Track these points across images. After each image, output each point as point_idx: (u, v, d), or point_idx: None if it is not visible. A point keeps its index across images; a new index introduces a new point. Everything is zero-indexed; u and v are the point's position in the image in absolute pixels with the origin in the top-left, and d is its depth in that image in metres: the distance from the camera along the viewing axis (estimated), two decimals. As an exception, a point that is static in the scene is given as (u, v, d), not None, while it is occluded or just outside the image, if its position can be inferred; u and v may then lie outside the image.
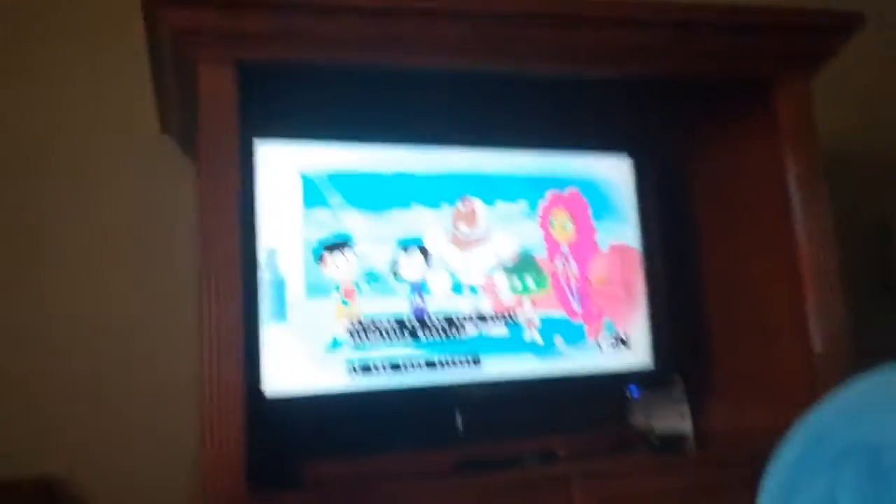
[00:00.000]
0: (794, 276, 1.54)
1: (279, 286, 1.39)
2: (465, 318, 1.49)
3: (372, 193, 1.49)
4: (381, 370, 1.41)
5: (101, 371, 1.62)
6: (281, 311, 1.38)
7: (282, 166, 1.43)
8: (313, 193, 1.44)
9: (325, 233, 1.43)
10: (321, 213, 1.44)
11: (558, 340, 1.56)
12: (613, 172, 1.67)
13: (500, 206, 1.58)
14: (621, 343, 1.61)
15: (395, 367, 1.42)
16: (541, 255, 1.59)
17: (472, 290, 1.52)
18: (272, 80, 1.44)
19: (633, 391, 1.70)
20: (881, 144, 2.24)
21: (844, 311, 1.52)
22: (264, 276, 1.37)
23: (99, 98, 1.71)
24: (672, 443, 1.52)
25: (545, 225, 1.61)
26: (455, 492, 1.27)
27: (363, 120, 1.55)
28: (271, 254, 1.39)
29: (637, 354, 1.62)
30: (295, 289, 1.40)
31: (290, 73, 1.42)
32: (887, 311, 2.16)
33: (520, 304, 1.55)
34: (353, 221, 1.46)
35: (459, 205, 1.55)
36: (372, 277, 1.45)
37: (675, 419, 1.70)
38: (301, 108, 1.53)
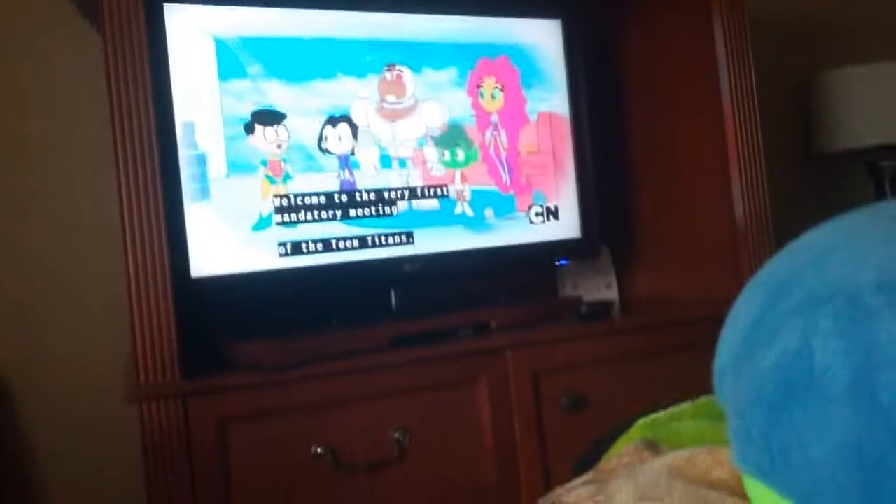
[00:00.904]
0: (720, 143, 1.56)
1: (200, 163, 1.30)
2: (395, 193, 1.45)
3: (293, 61, 1.39)
4: (312, 249, 1.37)
5: (30, 267, 1.53)
6: (204, 190, 1.30)
7: (194, 31, 1.32)
8: (230, 61, 1.34)
9: (247, 105, 1.34)
10: (240, 84, 1.35)
11: (489, 213, 1.54)
12: (544, 38, 1.62)
13: (429, 74, 1.51)
14: (551, 215, 1.61)
15: (327, 245, 1.38)
16: (470, 125, 1.54)
17: (402, 163, 1.47)
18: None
19: (562, 262, 1.72)
20: (805, 7, 2.25)
21: (765, 180, 1.56)
22: (183, 153, 1.28)
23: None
24: (599, 311, 1.55)
25: (474, 94, 1.55)
26: (391, 365, 1.27)
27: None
28: (188, 128, 1.30)
29: (566, 226, 1.62)
30: (217, 166, 1.32)
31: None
32: (807, 180, 2.23)
33: (450, 177, 1.52)
34: (275, 93, 1.37)
35: (386, 73, 1.47)
36: (299, 151, 1.38)
37: (601, 288, 1.73)
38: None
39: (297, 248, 1.36)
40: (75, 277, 1.55)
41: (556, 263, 1.74)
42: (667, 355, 1.44)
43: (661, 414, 0.65)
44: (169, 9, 1.29)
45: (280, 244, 1.35)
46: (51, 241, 1.54)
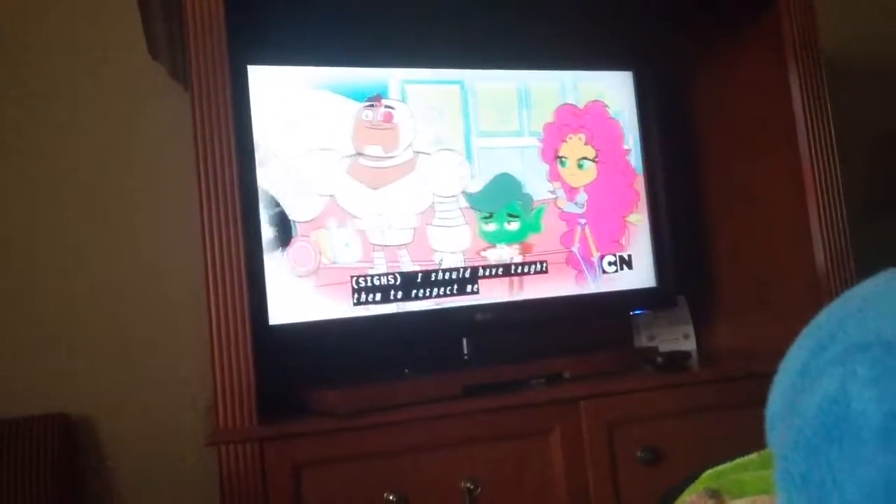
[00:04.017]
0: (798, 192, 1.53)
1: (279, 214, 1.36)
2: (474, 271, 1.47)
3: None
4: (385, 298, 1.40)
5: (118, 313, 1.61)
6: (282, 241, 1.35)
7: (276, 89, 1.38)
8: (309, 118, 1.40)
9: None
10: (318, 139, 1.40)
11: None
12: (616, 90, 1.63)
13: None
14: (624, 264, 1.60)
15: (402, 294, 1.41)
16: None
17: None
18: (261, 5, 1.39)
19: (637, 312, 1.71)
20: (884, 57, 2.20)
21: (847, 227, 1.52)
22: (263, 205, 1.34)
23: (87, 25, 1.65)
24: (676, 361, 1.53)
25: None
26: (462, 414, 1.28)
27: (358, 40, 1.50)
28: (268, 181, 1.35)
29: (640, 275, 1.61)
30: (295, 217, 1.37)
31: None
32: (888, 227, 2.15)
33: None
34: (351, 147, 1.42)
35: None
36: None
37: (678, 339, 1.71)
38: (294, 33, 1.47)
39: (370, 297, 1.39)
40: (160, 324, 1.62)
41: (631, 313, 1.72)
42: (745, 408, 1.40)
43: (727, 465, 0.65)
44: (253, 70, 1.36)
45: (354, 292, 1.38)
46: (139, 290, 1.62)
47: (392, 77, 1.45)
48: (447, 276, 1.45)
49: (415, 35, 1.61)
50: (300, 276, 1.35)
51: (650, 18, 1.75)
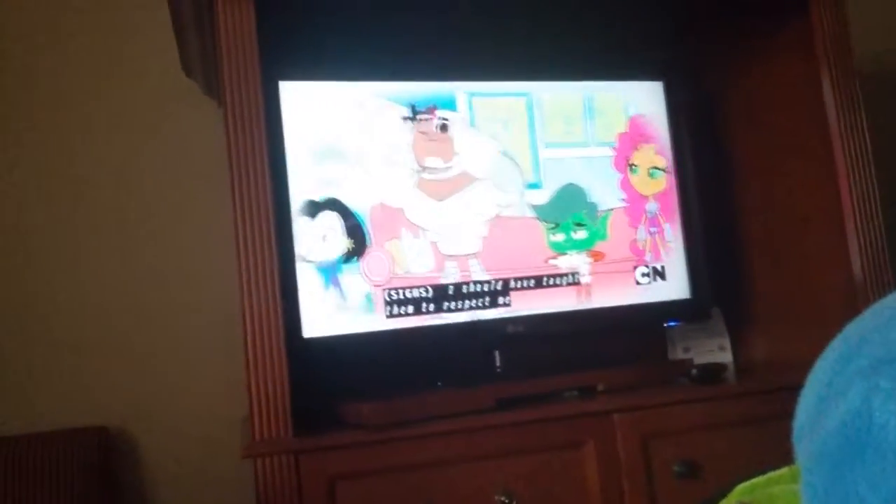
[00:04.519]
0: (833, 201, 1.51)
1: (312, 227, 1.37)
2: (513, 282, 1.47)
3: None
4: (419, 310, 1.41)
5: (154, 325, 1.63)
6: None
7: (307, 104, 1.40)
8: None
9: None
10: (350, 153, 1.41)
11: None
12: (647, 100, 1.63)
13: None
14: (657, 275, 1.59)
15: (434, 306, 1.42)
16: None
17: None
18: (293, 20, 1.40)
19: (671, 323, 1.69)
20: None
21: (884, 236, 1.49)
22: (296, 217, 1.35)
23: (122, 42, 1.68)
24: (712, 374, 1.51)
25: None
26: (496, 427, 1.27)
27: (392, 55, 1.51)
28: (301, 194, 1.37)
29: (674, 286, 1.59)
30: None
31: (311, 9, 1.38)
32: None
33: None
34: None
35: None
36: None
37: (714, 351, 1.69)
38: (324, 48, 1.49)
39: (403, 310, 1.40)
40: (197, 336, 1.64)
41: (665, 325, 1.71)
42: (782, 420, 1.38)
43: (760, 478, 0.64)
44: (284, 85, 1.38)
45: (387, 304, 1.39)
46: (176, 303, 1.64)
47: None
48: (480, 289, 1.45)
49: (479, 49, 1.64)
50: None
51: (680, 27, 1.74)
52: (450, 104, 1.47)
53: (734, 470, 1.31)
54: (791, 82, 1.60)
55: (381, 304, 1.38)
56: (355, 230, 1.38)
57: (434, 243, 1.43)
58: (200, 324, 1.64)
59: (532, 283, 1.48)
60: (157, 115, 1.68)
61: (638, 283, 1.57)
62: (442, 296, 1.42)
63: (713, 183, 1.76)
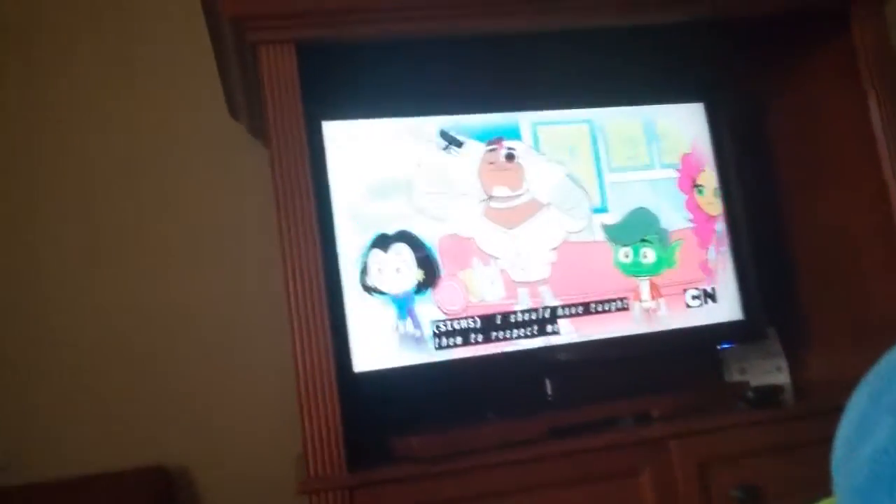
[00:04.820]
0: (884, 216, 1.48)
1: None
2: (564, 310, 1.48)
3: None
4: (467, 341, 1.41)
5: (208, 365, 1.66)
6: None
7: (349, 143, 1.42)
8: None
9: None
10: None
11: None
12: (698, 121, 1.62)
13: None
14: (708, 297, 1.56)
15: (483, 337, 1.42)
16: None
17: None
18: (334, 60, 1.43)
19: (724, 345, 1.66)
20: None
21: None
22: (344, 253, 1.37)
23: (170, 88, 1.74)
24: (769, 396, 1.47)
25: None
26: (549, 457, 1.26)
27: (430, 92, 1.53)
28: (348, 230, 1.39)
29: (726, 308, 1.57)
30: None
31: (351, 50, 1.41)
32: None
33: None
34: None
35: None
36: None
37: (771, 372, 1.65)
38: (366, 86, 1.51)
39: (451, 342, 1.40)
40: (252, 373, 1.66)
41: (718, 347, 1.68)
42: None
43: None
44: (327, 125, 1.40)
45: (435, 336, 1.39)
46: (228, 341, 1.67)
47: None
48: (527, 318, 1.44)
49: (543, 78, 1.68)
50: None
51: (719, 46, 1.73)
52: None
53: (794, 493, 1.28)
54: (835, 98, 1.58)
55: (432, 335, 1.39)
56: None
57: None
58: (256, 363, 1.66)
59: (542, 314, 1.46)
60: (207, 158, 1.73)
61: (688, 305, 1.54)
62: (491, 325, 1.42)
63: (762, 203, 1.74)
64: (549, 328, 1.45)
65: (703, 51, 1.71)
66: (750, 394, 1.47)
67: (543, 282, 1.46)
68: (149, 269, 1.68)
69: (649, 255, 1.54)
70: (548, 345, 1.45)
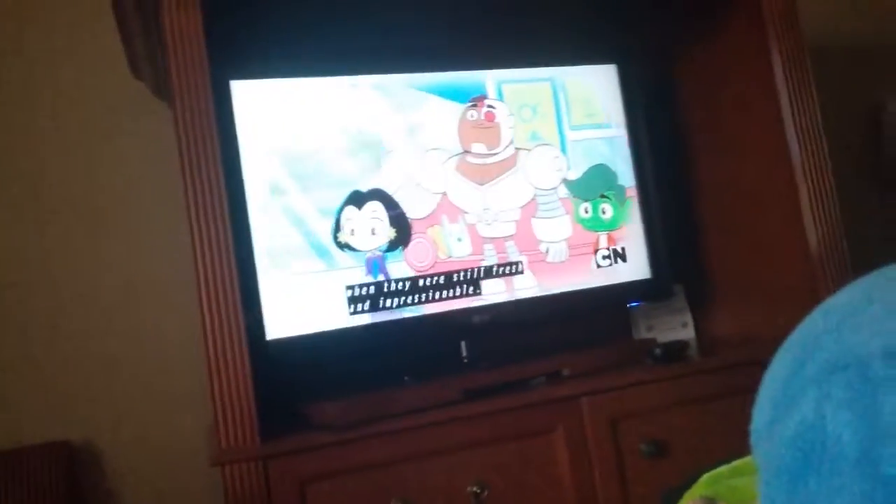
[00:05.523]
0: (787, 174, 1.53)
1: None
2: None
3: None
4: (382, 305, 1.40)
5: (114, 333, 1.60)
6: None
7: (259, 104, 1.37)
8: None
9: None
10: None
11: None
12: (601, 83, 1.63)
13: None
14: (618, 257, 1.59)
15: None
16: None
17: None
18: (242, 17, 1.37)
19: (634, 304, 1.70)
20: (866, 33, 2.20)
21: (838, 207, 1.51)
22: (255, 218, 1.33)
23: (66, 43, 1.64)
24: (675, 352, 1.52)
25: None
26: (464, 418, 1.27)
27: (343, 50, 1.49)
28: (259, 194, 1.35)
29: (635, 267, 1.61)
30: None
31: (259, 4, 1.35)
32: (878, 204, 2.16)
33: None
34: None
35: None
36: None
37: (676, 328, 1.70)
38: (277, 44, 1.46)
39: (364, 306, 1.39)
40: (158, 342, 1.61)
41: (628, 306, 1.72)
42: (747, 395, 1.40)
43: (723, 468, 0.65)
44: (235, 85, 1.35)
45: (350, 301, 1.37)
46: (133, 311, 1.61)
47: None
48: (444, 280, 1.44)
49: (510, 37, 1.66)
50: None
51: (632, 10, 1.74)
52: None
53: (702, 446, 1.33)
54: (740, 59, 1.61)
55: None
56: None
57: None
58: (163, 332, 1.61)
59: (467, 275, 1.47)
60: (108, 118, 1.64)
61: (598, 265, 1.57)
62: (404, 289, 1.41)
63: (670, 162, 1.77)
64: (469, 290, 1.46)
65: (616, 14, 1.71)
66: (657, 350, 1.51)
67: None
68: (48, 237, 1.60)
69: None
70: (461, 307, 1.45)
